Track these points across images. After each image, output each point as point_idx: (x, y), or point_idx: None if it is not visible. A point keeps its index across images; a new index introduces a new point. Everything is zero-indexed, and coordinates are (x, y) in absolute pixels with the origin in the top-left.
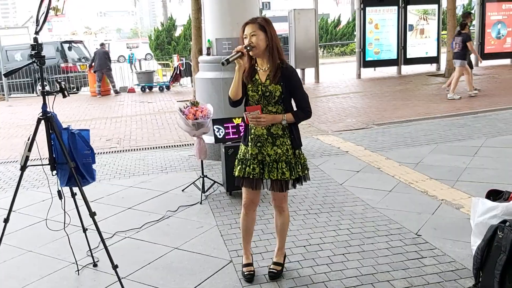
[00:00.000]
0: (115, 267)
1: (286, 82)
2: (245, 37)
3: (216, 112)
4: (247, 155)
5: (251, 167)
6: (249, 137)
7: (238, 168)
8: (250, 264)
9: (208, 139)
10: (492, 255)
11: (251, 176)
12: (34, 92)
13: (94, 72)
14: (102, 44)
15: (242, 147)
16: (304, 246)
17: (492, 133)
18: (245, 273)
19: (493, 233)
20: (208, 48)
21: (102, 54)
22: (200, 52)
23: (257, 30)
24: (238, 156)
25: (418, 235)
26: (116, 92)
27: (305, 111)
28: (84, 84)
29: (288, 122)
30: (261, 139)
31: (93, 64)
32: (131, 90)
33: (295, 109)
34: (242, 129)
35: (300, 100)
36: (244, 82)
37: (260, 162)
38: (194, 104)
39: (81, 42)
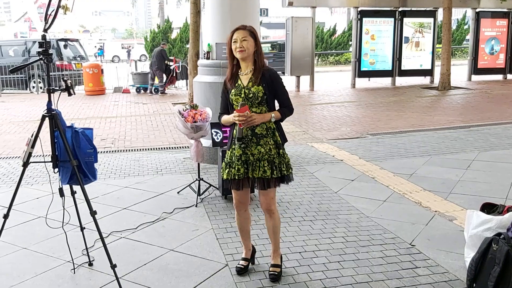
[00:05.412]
0: (113, 266)
1: (268, 84)
2: (234, 41)
3: (214, 116)
4: (233, 157)
5: (236, 169)
6: (234, 139)
7: (226, 171)
8: (246, 259)
9: (206, 142)
10: (486, 267)
11: (236, 177)
12: (28, 88)
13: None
14: (163, 43)
15: (228, 151)
16: (300, 253)
17: (484, 147)
18: (238, 265)
19: (487, 246)
20: (208, 52)
21: (156, 53)
22: (197, 56)
23: (247, 36)
24: (225, 159)
25: (412, 245)
26: (157, 92)
27: (289, 108)
28: (78, 83)
29: (276, 119)
30: (245, 140)
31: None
32: (126, 91)
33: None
34: None
35: (284, 100)
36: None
37: (244, 162)
38: (194, 107)
39: (77, 40)
